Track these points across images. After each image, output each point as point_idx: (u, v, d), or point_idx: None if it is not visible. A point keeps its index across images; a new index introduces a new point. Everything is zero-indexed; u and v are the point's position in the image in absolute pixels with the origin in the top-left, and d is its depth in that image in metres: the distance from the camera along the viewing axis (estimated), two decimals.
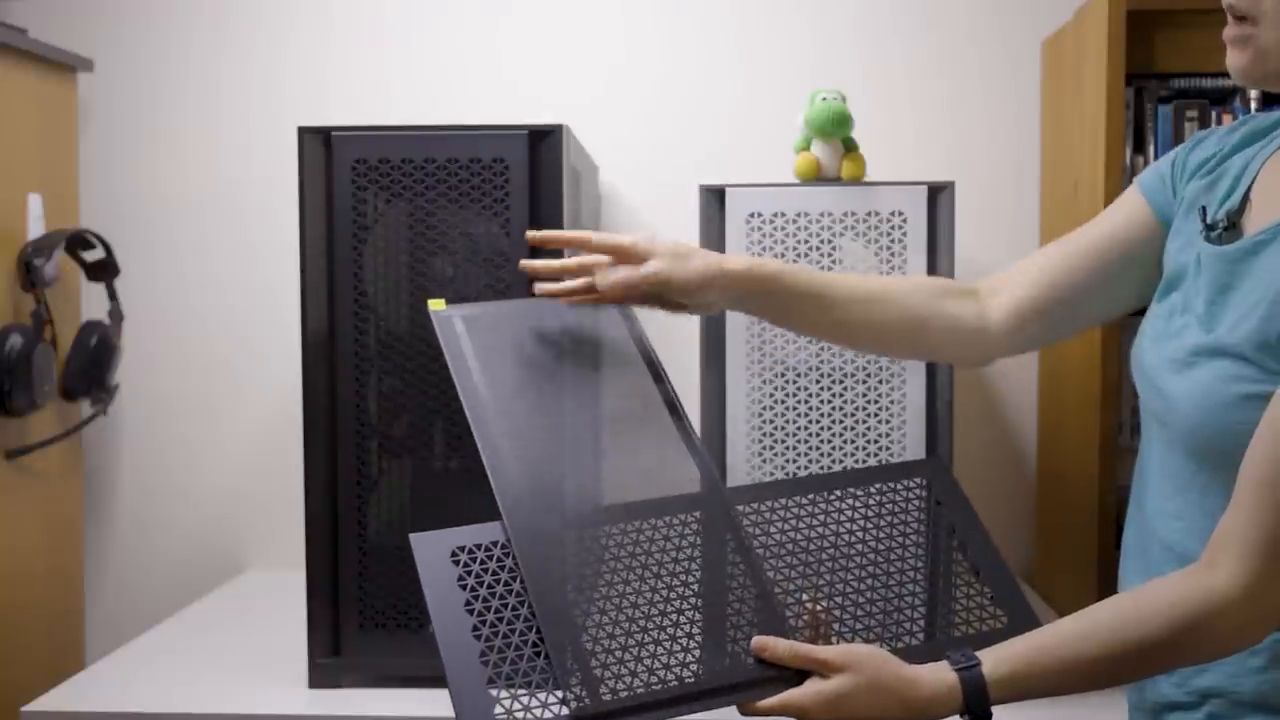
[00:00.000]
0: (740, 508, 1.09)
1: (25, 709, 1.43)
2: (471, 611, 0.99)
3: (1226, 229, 1.03)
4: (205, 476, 2.05)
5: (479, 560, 1.02)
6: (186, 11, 2.03)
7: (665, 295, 1.14)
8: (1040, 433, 1.96)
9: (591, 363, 1.18)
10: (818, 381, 1.49)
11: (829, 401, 1.49)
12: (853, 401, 1.49)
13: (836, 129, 1.53)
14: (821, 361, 1.49)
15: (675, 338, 2.00)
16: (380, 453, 1.49)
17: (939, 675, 0.96)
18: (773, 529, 1.10)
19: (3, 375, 1.69)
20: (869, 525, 1.12)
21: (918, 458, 1.20)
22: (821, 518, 1.11)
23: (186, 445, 2.05)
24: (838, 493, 1.13)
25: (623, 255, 1.14)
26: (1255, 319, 0.96)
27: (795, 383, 1.49)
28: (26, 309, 1.77)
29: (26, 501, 1.82)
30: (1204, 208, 1.07)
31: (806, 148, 1.57)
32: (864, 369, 1.48)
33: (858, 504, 1.13)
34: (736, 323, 1.48)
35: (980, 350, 1.22)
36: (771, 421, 1.50)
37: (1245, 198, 1.04)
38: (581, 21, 2.00)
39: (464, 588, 1.00)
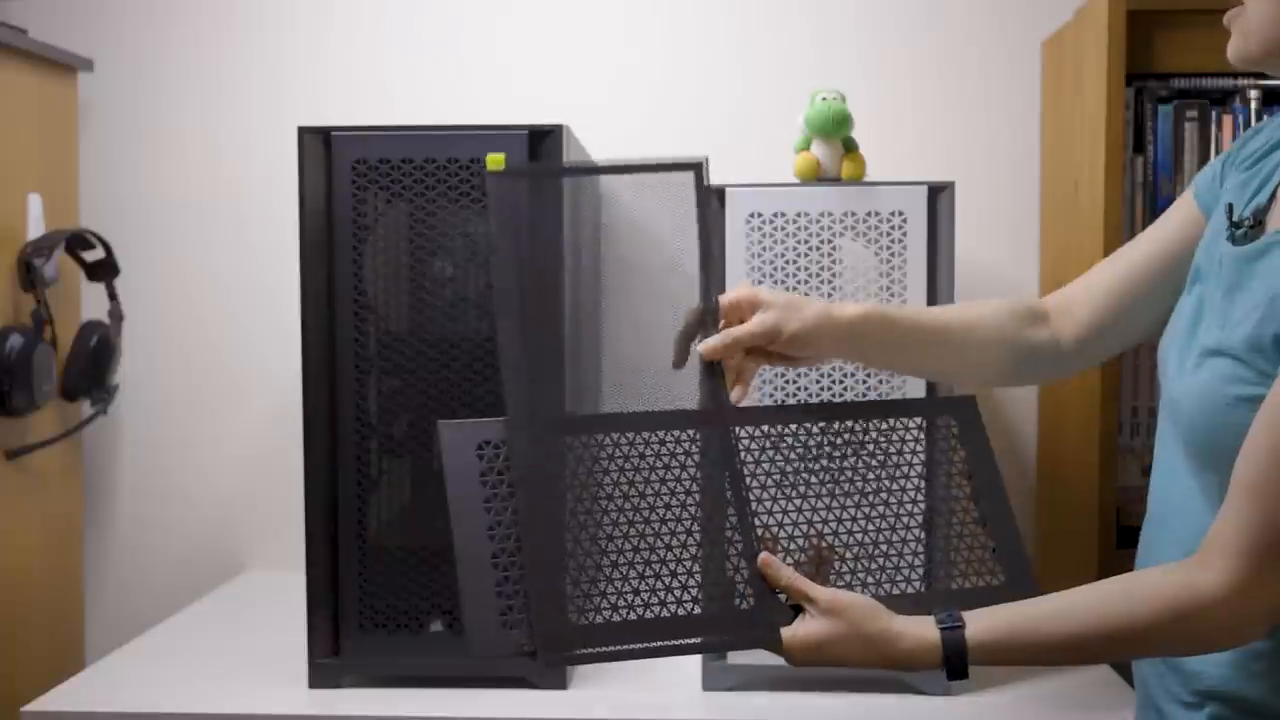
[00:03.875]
0: (747, 429, 1.07)
1: (25, 709, 1.43)
2: (489, 510, 0.97)
3: (1252, 227, 1.03)
4: (205, 476, 2.05)
5: (503, 457, 1.00)
6: (187, 11, 2.03)
7: (773, 348, 1.12)
8: (1040, 433, 1.96)
9: (642, 242, 1.16)
10: (818, 382, 1.49)
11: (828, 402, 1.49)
12: (841, 401, 1.49)
13: (836, 129, 1.53)
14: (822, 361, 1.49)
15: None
16: (380, 453, 1.49)
17: (922, 632, 0.99)
18: (779, 455, 1.08)
19: (3, 375, 1.69)
20: (885, 459, 1.11)
21: (953, 396, 1.16)
22: (830, 449, 1.10)
23: (186, 445, 2.05)
24: (856, 423, 1.11)
25: (733, 311, 1.14)
26: (1252, 321, 0.97)
27: (795, 383, 1.49)
28: (26, 309, 1.77)
29: (26, 501, 1.82)
30: (1231, 205, 1.07)
31: (806, 148, 1.57)
32: (864, 369, 1.48)
33: (879, 436, 1.11)
34: None
35: (1056, 370, 1.25)
36: None
37: (1272, 196, 1.04)
38: (581, 22, 2.00)
39: (485, 484, 0.98)
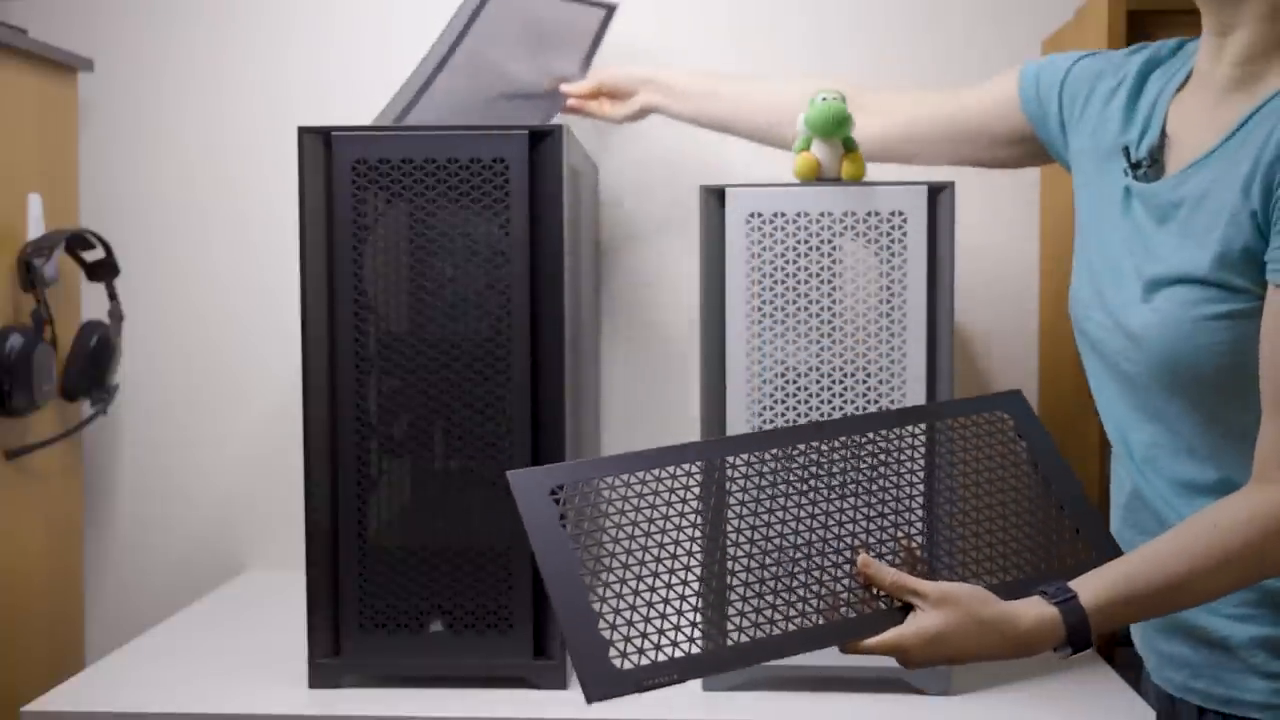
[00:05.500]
0: (811, 444, 1.08)
1: (25, 709, 1.43)
2: (577, 550, 0.97)
3: (1151, 165, 1.11)
4: (205, 476, 2.05)
5: (578, 498, 1.00)
6: (186, 11, 2.03)
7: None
8: None
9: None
10: (818, 381, 1.49)
11: (829, 402, 1.49)
12: (853, 402, 1.49)
13: (836, 129, 1.53)
14: (821, 362, 1.49)
15: (673, 336, 2.00)
16: (380, 453, 1.49)
17: (1038, 610, 0.98)
18: (863, 464, 1.09)
19: (3, 375, 1.69)
20: (949, 460, 1.12)
21: (999, 391, 1.18)
22: (897, 453, 1.10)
23: (186, 445, 2.05)
24: (913, 428, 1.11)
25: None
26: (1214, 240, 1.02)
27: (795, 383, 1.49)
28: (26, 309, 1.77)
29: (26, 501, 1.82)
30: (1126, 148, 1.14)
31: (806, 148, 1.56)
32: (864, 369, 1.48)
33: (940, 438, 1.12)
34: (737, 325, 1.48)
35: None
36: (771, 422, 1.50)
37: (1163, 133, 1.12)
38: None
39: (565, 526, 0.98)
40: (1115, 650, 1.63)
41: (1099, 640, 1.68)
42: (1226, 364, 1.02)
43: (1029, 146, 1.36)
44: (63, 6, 2.02)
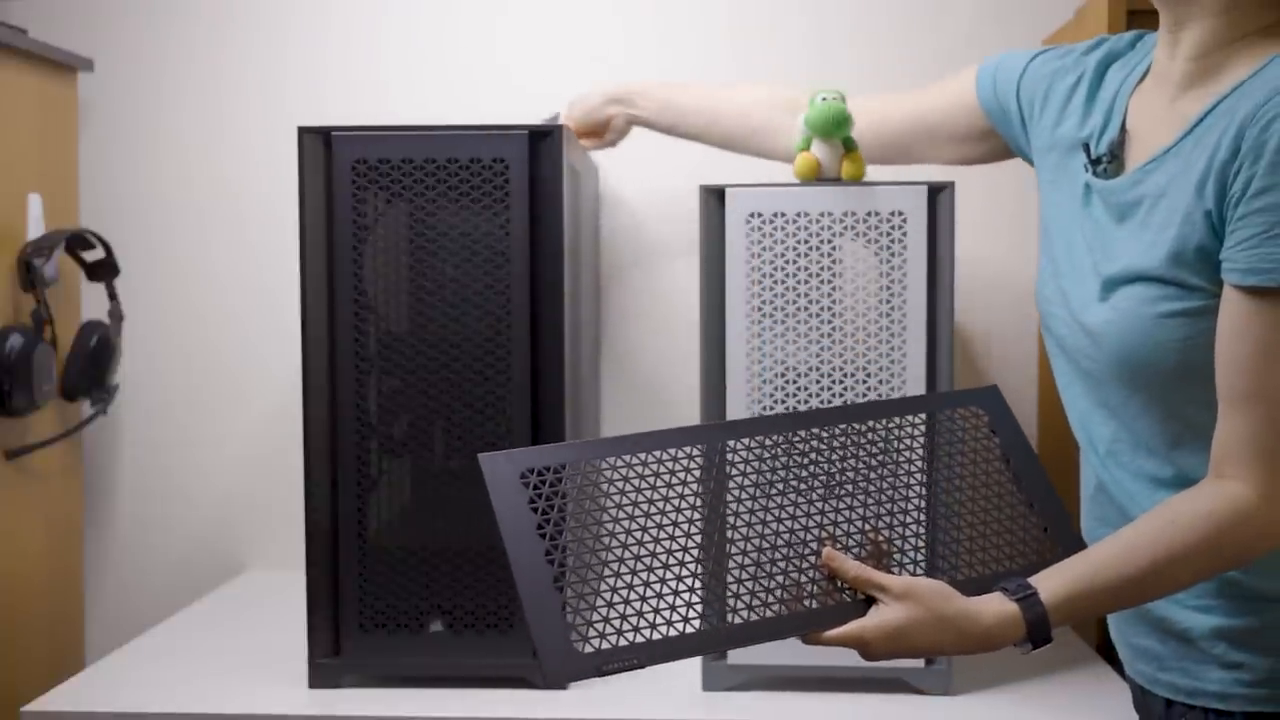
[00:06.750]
0: (783, 435, 1.08)
1: (25, 709, 1.43)
2: (544, 535, 0.98)
3: (1110, 161, 1.11)
4: (205, 476, 2.05)
5: (549, 483, 1.01)
6: (186, 11, 2.03)
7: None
8: (1040, 434, 1.96)
9: None
10: (818, 381, 1.49)
11: (829, 402, 1.49)
12: (852, 402, 1.49)
13: (836, 129, 1.53)
14: (821, 362, 1.49)
15: (674, 335, 2.00)
16: (380, 453, 1.49)
17: (999, 606, 0.99)
18: (834, 455, 1.09)
19: (3, 375, 1.69)
20: (922, 454, 1.12)
21: (977, 387, 1.20)
22: (856, 449, 1.11)
23: (186, 445, 2.05)
24: (887, 421, 1.12)
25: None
26: (1169, 239, 1.02)
27: (795, 383, 1.49)
28: (26, 309, 1.77)
29: (26, 501, 1.82)
30: (1087, 144, 1.14)
31: (806, 148, 1.56)
32: (864, 369, 1.48)
33: (904, 433, 1.12)
34: (737, 325, 1.48)
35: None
36: None
37: (1122, 129, 1.12)
38: (580, 23, 2.00)
39: (535, 511, 0.99)
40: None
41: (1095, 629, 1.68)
42: (1183, 361, 1.03)
43: (995, 142, 1.37)
44: (63, 6, 2.02)
